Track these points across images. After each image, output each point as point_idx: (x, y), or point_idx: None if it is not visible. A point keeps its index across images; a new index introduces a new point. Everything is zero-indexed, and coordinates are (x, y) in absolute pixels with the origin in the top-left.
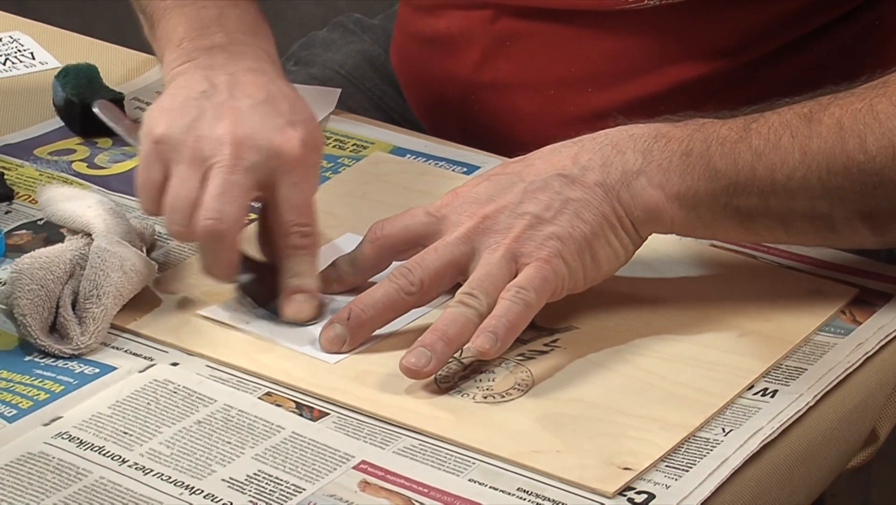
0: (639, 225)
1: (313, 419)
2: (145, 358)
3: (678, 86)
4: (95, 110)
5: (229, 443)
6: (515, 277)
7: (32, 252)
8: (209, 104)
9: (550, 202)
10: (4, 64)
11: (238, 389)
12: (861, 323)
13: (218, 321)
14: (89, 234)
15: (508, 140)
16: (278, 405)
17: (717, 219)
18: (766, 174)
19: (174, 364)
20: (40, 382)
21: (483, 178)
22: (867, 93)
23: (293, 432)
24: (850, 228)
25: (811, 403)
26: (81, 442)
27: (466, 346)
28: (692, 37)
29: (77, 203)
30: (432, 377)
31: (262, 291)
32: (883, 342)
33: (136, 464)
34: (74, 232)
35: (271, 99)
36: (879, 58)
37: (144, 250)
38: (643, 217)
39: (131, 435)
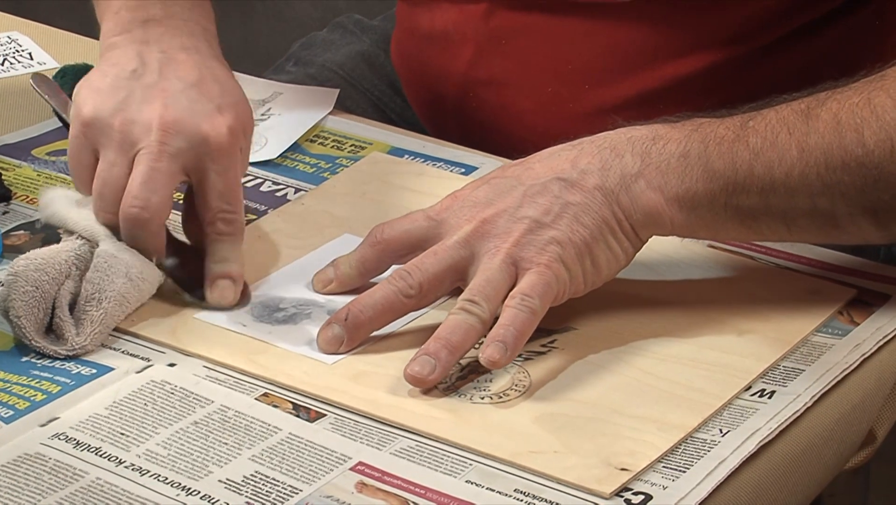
0: (638, 228)
1: (310, 420)
2: (142, 359)
3: (675, 81)
4: (31, 83)
5: (226, 444)
6: (515, 281)
7: (28, 253)
8: (138, 85)
9: (549, 206)
10: (3, 64)
11: (235, 390)
12: (859, 324)
13: (215, 324)
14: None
15: (506, 137)
16: (275, 406)
17: (718, 219)
18: (765, 172)
19: (171, 365)
20: (37, 382)
21: (482, 182)
22: (864, 87)
23: (290, 433)
24: (854, 224)
25: (809, 404)
26: (78, 443)
27: (483, 363)
28: (689, 29)
29: (82, 207)
30: None
31: (187, 276)
32: (880, 343)
33: (133, 465)
34: (71, 233)
35: (202, 81)
36: (878, 51)
37: (154, 259)
38: (643, 220)
39: (128, 436)
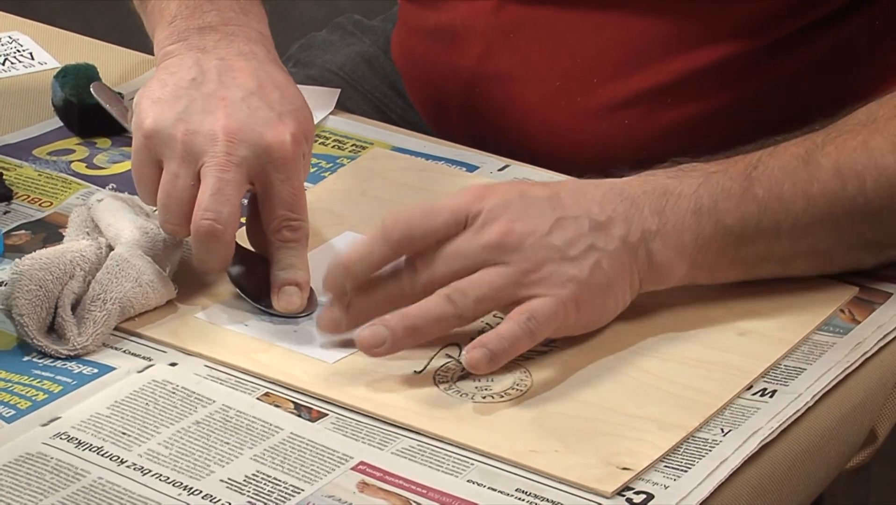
0: (645, 282)
1: (312, 420)
2: (144, 358)
3: (687, 75)
4: (91, 90)
5: (228, 443)
6: (516, 302)
7: (33, 253)
8: (198, 94)
9: (576, 241)
10: (3, 64)
11: (236, 390)
12: (860, 322)
13: (216, 324)
14: (97, 239)
15: (512, 133)
16: (277, 406)
17: (722, 270)
18: (772, 225)
19: (173, 364)
20: (39, 382)
21: (513, 190)
22: (860, 130)
23: (292, 433)
24: (847, 258)
25: (810, 403)
26: (80, 442)
27: (465, 364)
28: (701, 22)
29: (120, 215)
30: (431, 377)
31: (253, 284)
32: (882, 342)
33: (135, 464)
34: (76, 233)
35: (262, 88)
36: (893, 46)
37: (168, 271)
38: (650, 276)
39: (130, 435)
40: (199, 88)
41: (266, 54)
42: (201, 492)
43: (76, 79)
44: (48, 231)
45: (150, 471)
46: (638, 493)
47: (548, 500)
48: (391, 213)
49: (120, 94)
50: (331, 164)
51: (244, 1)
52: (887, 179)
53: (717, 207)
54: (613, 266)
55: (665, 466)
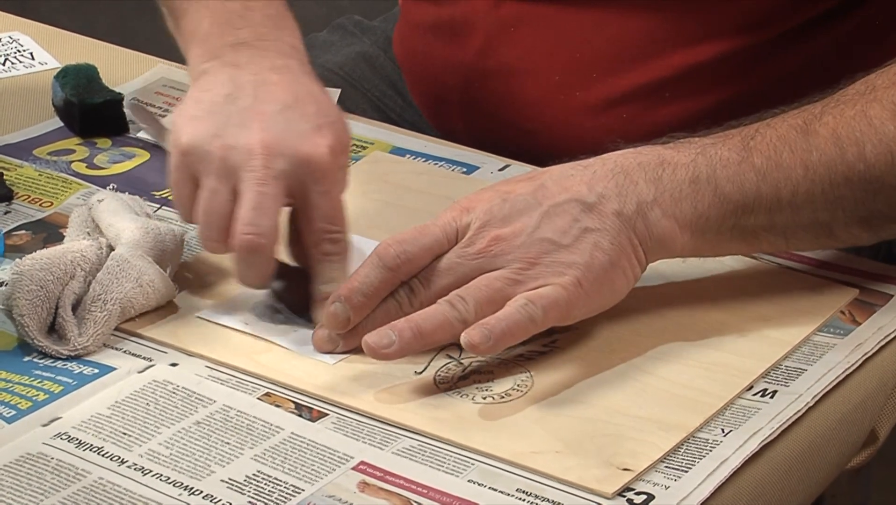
0: (650, 254)
1: (312, 420)
2: (144, 358)
3: (685, 70)
4: (126, 111)
5: (228, 443)
6: None
7: (34, 253)
8: (234, 109)
9: (568, 228)
10: (4, 64)
11: (237, 390)
12: (860, 323)
13: (217, 323)
14: (97, 239)
15: (512, 127)
16: (277, 406)
17: (724, 240)
18: (772, 193)
19: (173, 365)
20: (39, 382)
21: (496, 195)
22: (857, 99)
23: (292, 433)
24: (848, 232)
25: (810, 404)
26: (80, 442)
27: (462, 343)
28: (699, 18)
29: (121, 215)
30: (431, 378)
31: (295, 298)
32: (882, 343)
33: (136, 464)
34: (77, 233)
35: (298, 101)
36: (890, 46)
37: (169, 271)
38: (655, 247)
39: (130, 435)
40: (235, 104)
41: (300, 67)
42: (202, 492)
43: (76, 79)
44: (49, 231)
45: (150, 471)
46: (638, 493)
47: (548, 500)
48: (382, 241)
49: (120, 93)
50: None
51: (276, 16)
52: (887, 146)
53: (716, 176)
54: (613, 243)
55: (665, 467)
